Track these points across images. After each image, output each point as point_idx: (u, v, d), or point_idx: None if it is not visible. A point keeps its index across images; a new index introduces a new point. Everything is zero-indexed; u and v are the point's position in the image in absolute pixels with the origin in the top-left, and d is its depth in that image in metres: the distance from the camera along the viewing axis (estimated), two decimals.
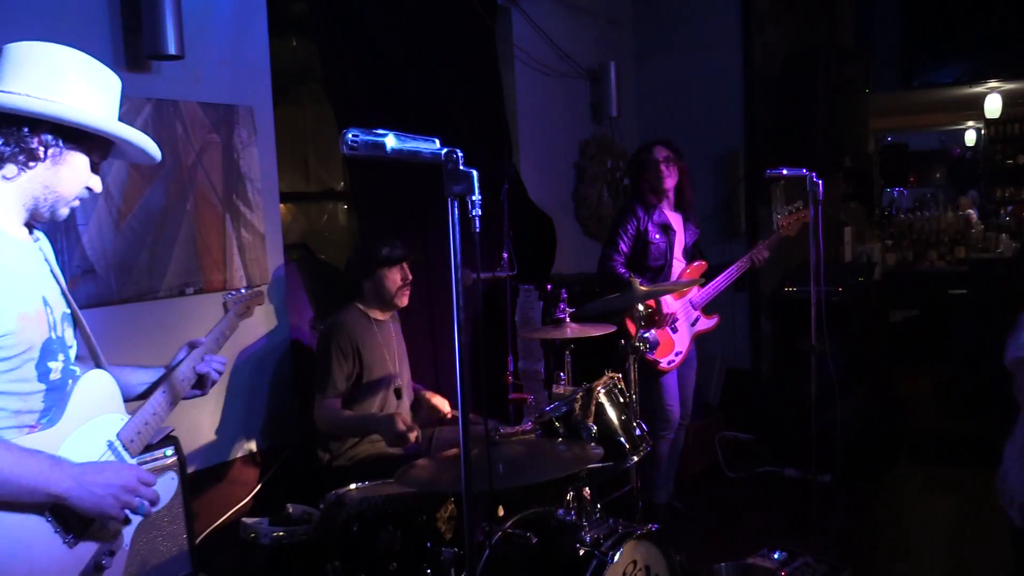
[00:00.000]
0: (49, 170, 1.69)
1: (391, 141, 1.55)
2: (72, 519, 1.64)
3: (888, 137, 12.09)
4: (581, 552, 2.40)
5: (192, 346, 2.08)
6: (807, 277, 3.63)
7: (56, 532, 1.62)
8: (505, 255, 4.17)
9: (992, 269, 7.92)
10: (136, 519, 1.76)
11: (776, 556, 3.30)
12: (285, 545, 2.55)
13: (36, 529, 1.59)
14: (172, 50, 3.03)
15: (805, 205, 4.00)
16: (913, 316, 7.67)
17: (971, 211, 9.24)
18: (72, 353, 1.79)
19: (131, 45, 3.10)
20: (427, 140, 1.59)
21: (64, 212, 1.77)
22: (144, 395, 1.97)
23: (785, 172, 3.62)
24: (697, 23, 5.74)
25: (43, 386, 1.68)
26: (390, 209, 4.03)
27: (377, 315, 3.47)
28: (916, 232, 9.16)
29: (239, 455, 3.54)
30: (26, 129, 1.64)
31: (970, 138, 11.82)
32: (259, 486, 3.58)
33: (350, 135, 1.52)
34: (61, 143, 1.69)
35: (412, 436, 3.12)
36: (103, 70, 1.78)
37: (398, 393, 3.46)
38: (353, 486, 2.63)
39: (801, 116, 5.21)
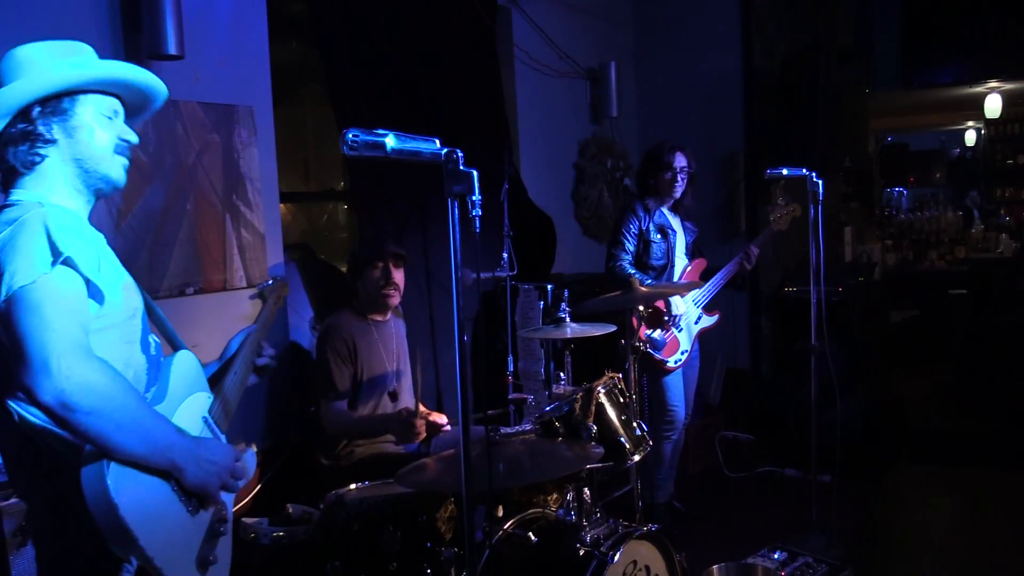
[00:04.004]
0: (69, 140, 1.68)
1: (391, 141, 1.55)
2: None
3: (888, 137, 12.07)
4: (581, 552, 2.40)
5: (248, 334, 2.12)
6: (807, 277, 3.62)
7: (180, 500, 1.65)
8: (505, 255, 4.16)
9: (992, 269, 7.93)
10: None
11: (776, 556, 3.30)
12: (285, 545, 2.54)
13: (166, 496, 1.63)
14: (172, 50, 3.03)
15: (795, 200, 4.09)
16: (913, 316, 7.67)
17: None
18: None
19: (131, 45, 3.10)
20: (427, 140, 1.59)
21: (118, 176, 1.78)
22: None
23: (785, 172, 3.61)
24: (697, 23, 5.74)
25: (145, 357, 1.72)
26: (390, 209, 4.02)
27: (375, 316, 3.46)
28: (916, 232, 9.16)
29: None
30: (23, 124, 1.65)
31: (970, 138, 11.80)
32: (259, 486, 3.57)
33: (350, 135, 1.52)
34: (60, 107, 1.67)
35: (420, 428, 3.15)
36: (65, 44, 1.73)
37: (393, 396, 3.43)
38: (353, 486, 2.62)
39: (801, 116, 5.21)
